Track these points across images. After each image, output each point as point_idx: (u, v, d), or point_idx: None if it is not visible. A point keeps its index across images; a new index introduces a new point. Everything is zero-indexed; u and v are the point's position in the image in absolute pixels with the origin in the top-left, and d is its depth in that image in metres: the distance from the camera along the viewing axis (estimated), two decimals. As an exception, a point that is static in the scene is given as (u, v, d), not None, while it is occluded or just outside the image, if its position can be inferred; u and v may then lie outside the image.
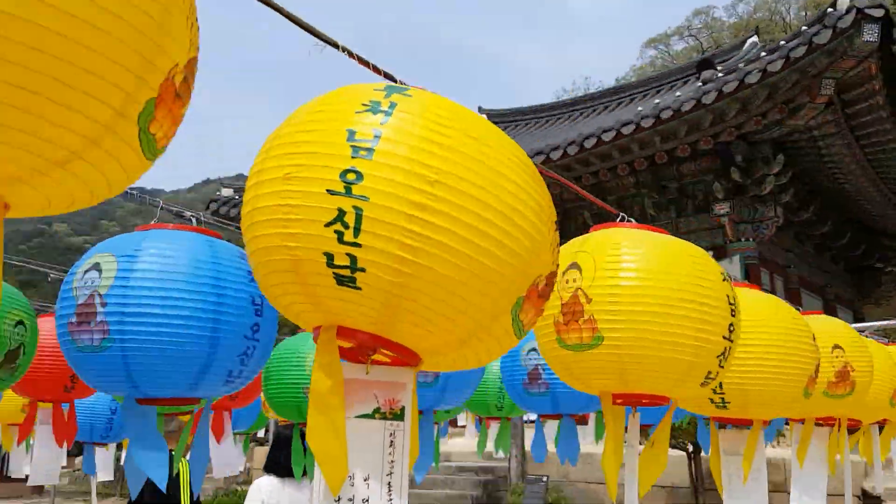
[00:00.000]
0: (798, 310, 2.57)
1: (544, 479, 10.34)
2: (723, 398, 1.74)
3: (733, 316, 1.37)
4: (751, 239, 13.24)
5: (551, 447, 3.18)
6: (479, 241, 0.93)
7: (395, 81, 1.17)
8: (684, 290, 1.34)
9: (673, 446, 9.31)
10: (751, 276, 13.03)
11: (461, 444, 13.52)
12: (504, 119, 21.35)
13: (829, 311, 16.01)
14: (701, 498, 9.27)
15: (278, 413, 3.28)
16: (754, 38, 17.04)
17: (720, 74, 11.75)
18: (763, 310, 1.80)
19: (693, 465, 9.41)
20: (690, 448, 9.35)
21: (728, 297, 1.37)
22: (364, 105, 0.95)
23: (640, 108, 12.87)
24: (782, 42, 11.22)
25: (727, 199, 13.16)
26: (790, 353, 1.71)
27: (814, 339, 1.83)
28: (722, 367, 1.38)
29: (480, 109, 21.56)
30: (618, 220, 1.68)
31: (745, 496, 1.84)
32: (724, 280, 1.41)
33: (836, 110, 11.67)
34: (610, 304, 1.35)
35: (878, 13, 10.17)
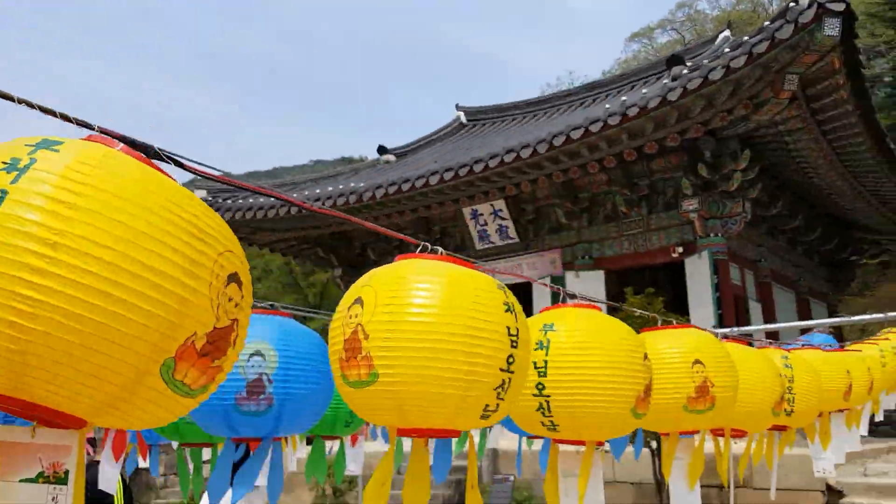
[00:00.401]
0: (670, 324, 2.57)
1: (510, 478, 10.35)
2: (552, 421, 1.74)
3: (514, 347, 1.36)
4: (720, 234, 13.28)
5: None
6: (105, 304, 0.92)
7: (87, 126, 1.14)
8: (456, 324, 1.33)
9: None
10: (720, 271, 13.10)
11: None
12: (483, 116, 21.36)
13: (802, 304, 16.12)
14: (664, 494, 9.31)
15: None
16: (727, 33, 17.04)
17: (686, 71, 11.76)
18: (592, 331, 1.79)
19: (657, 462, 9.45)
20: (654, 445, 9.38)
21: (509, 328, 1.36)
22: (3, 163, 0.93)
23: (607, 106, 12.87)
24: (745, 38, 11.24)
25: (696, 195, 13.18)
26: (617, 374, 1.70)
27: (645, 357, 1.82)
28: (502, 399, 1.37)
29: (458, 107, 21.56)
30: (418, 250, 1.66)
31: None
32: (506, 311, 1.39)
33: (801, 105, 11.70)
34: (384, 340, 1.34)
35: (839, 7, 10.18)
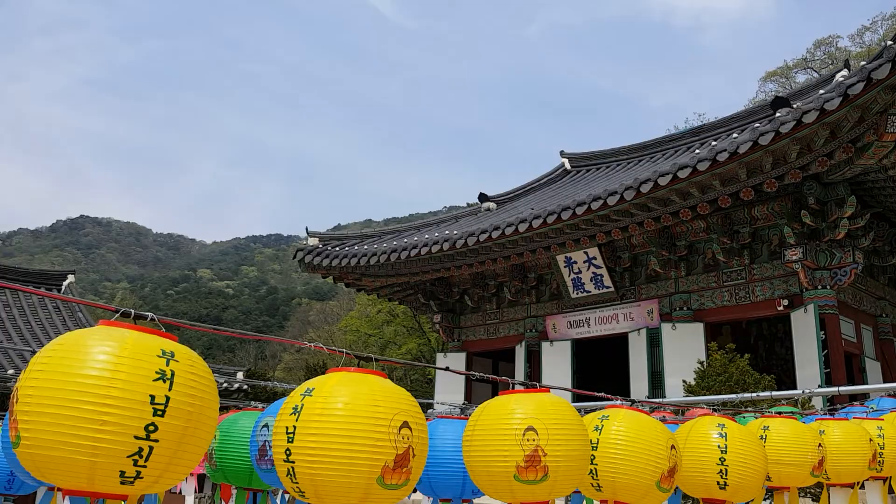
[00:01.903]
0: (515, 388, 2.56)
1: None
2: (298, 488, 1.81)
3: (158, 416, 1.45)
4: (828, 286, 12.38)
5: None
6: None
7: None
8: (85, 391, 1.43)
9: None
10: (828, 327, 12.17)
11: None
12: (587, 162, 21.24)
13: (936, 363, 14.56)
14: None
15: (230, 480, 3.52)
16: (844, 72, 16.06)
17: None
18: (345, 396, 1.83)
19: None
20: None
21: (153, 397, 1.45)
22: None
23: (697, 151, 12.49)
24: (840, 79, 10.63)
25: (800, 244, 12.41)
26: (357, 443, 1.76)
27: (393, 426, 1.83)
28: (144, 465, 1.45)
29: (562, 154, 21.59)
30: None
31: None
32: (155, 380, 1.47)
33: (911, 147, 10.84)
34: (26, 404, 1.45)
35: (941, 45, 9.46)
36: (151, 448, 1.46)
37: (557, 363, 15.93)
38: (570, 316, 16.15)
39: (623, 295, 15.30)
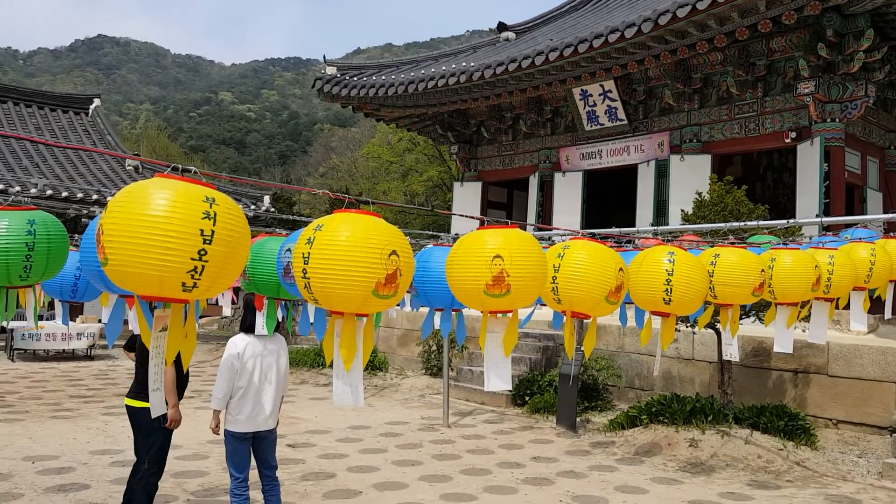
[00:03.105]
0: (507, 223, 3.15)
1: (580, 348, 11.14)
2: (314, 297, 2.47)
3: (205, 244, 2.02)
4: (837, 119, 12.56)
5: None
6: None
7: None
8: (153, 226, 1.99)
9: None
10: (832, 159, 12.51)
11: (539, 313, 14.58)
12: (530, 27, 20.38)
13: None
14: (725, 372, 9.74)
15: (261, 291, 4.27)
16: None
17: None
18: (347, 231, 2.39)
19: (719, 343, 9.82)
20: (719, 327, 9.72)
21: (202, 230, 2.02)
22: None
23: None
24: None
25: (813, 77, 12.45)
26: (355, 265, 2.38)
27: (392, 253, 2.45)
28: (199, 278, 2.03)
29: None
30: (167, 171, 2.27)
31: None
32: (203, 218, 2.00)
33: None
34: (110, 233, 2.06)
35: None
36: (203, 266, 2.05)
37: (569, 193, 16.54)
38: (583, 148, 16.52)
39: (636, 128, 15.55)
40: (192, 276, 2.06)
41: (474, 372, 12.87)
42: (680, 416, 9.18)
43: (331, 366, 2.67)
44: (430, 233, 5.91)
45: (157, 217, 2.02)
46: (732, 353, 4.82)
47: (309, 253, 2.45)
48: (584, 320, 3.45)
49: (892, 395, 9.53)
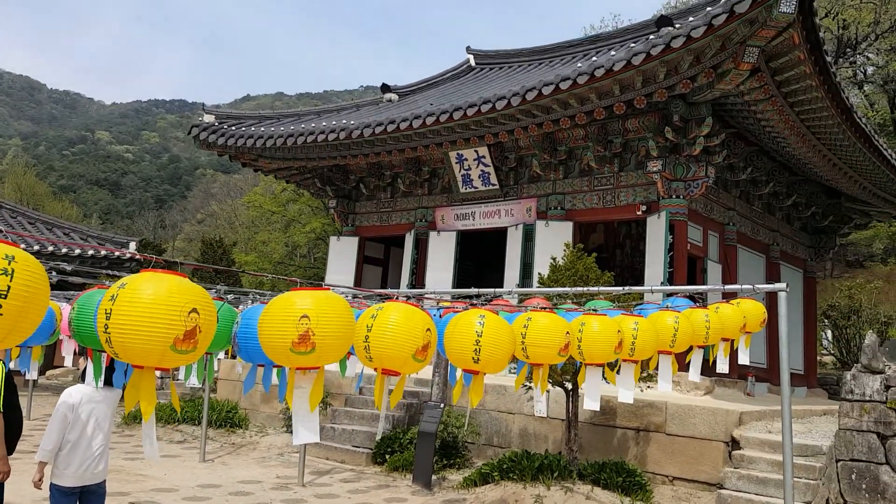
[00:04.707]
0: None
1: (441, 405, 11.39)
2: (114, 351, 2.61)
3: (1, 298, 2.13)
4: (681, 196, 13.74)
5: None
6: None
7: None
8: None
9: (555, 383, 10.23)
10: (676, 232, 13.62)
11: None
12: (491, 61, 21.69)
13: (772, 268, 16.56)
14: (571, 429, 10.22)
15: (86, 343, 4.22)
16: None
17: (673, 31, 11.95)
18: (146, 289, 2.61)
19: (569, 402, 10.32)
20: (569, 387, 10.24)
21: None
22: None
23: (579, 65, 13.25)
24: (709, 9, 11.47)
25: (661, 157, 13.62)
26: (153, 322, 2.55)
27: (192, 311, 2.64)
28: None
29: (468, 49, 21.90)
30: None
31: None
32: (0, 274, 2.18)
33: (764, 77, 11.93)
34: None
35: (796, -15, 10.36)
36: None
37: (443, 251, 17.03)
38: (457, 209, 17.13)
39: (507, 193, 16.34)
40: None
41: (336, 430, 12.81)
42: (528, 473, 9.54)
43: (179, 420, 2.78)
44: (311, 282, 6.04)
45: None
46: (541, 409, 5.21)
47: (111, 309, 2.57)
48: (394, 377, 3.68)
49: (720, 454, 10.31)
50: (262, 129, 17.62)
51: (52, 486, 5.03)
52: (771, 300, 13.09)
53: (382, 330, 3.51)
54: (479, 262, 19.67)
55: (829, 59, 12.01)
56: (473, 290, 5.92)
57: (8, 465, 5.15)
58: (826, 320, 21.29)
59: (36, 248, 19.64)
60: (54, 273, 3.76)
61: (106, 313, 2.58)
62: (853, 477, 8.85)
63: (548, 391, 11.94)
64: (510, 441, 12.19)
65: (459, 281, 16.91)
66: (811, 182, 17.19)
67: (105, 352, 3.94)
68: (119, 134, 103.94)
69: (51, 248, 20.22)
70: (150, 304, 2.55)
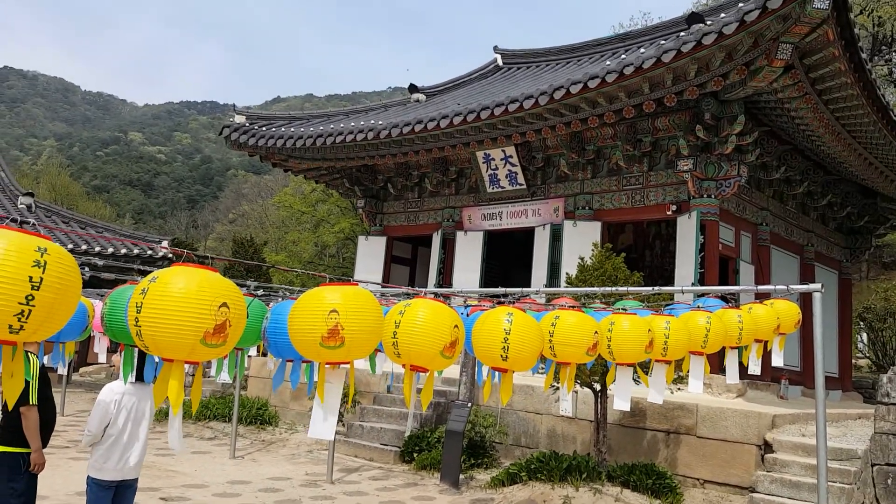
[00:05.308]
0: (346, 281, 3.38)
1: (469, 404, 11.36)
2: (144, 344, 2.63)
3: (35, 289, 2.19)
4: (713, 196, 13.55)
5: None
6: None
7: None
8: None
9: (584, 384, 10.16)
10: (707, 232, 13.43)
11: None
12: (519, 60, 21.60)
13: (806, 270, 16.25)
14: (600, 431, 10.14)
15: (118, 338, 4.28)
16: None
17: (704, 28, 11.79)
18: (180, 283, 2.63)
19: (597, 403, 10.24)
20: (598, 387, 10.16)
21: (31, 277, 2.15)
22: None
23: (608, 63, 13.14)
24: (740, 4, 11.30)
25: (692, 155, 13.44)
26: (184, 315, 2.56)
27: (223, 305, 2.65)
28: (25, 321, 2.16)
29: (496, 49, 21.84)
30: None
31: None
32: (33, 266, 2.18)
33: (798, 74, 11.73)
34: None
35: (830, -20, 10.17)
36: (31, 311, 2.20)
37: (470, 251, 17.01)
38: (484, 209, 17.10)
39: (534, 192, 16.26)
40: (19, 319, 2.18)
41: (365, 427, 12.86)
42: (556, 474, 9.48)
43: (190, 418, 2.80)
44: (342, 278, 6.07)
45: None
46: (566, 408, 5.16)
47: (142, 302, 2.59)
48: (423, 373, 3.67)
49: (753, 457, 10.14)
50: (292, 129, 17.75)
51: (91, 480, 5.10)
52: (805, 301, 12.85)
53: (411, 326, 3.51)
54: (506, 262, 19.61)
55: (864, 56, 11.76)
56: (500, 290, 5.89)
57: (43, 457, 5.23)
58: (861, 323, 20.88)
59: (70, 246, 20.03)
60: (87, 269, 3.81)
61: (137, 307, 2.60)
62: (889, 481, 8.63)
63: (575, 391, 11.86)
64: (538, 442, 12.12)
65: (486, 281, 16.87)
66: (846, 181, 16.85)
67: (136, 347, 3.99)
68: (151, 135, 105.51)
69: (84, 247, 20.59)
70: (181, 298, 2.57)
